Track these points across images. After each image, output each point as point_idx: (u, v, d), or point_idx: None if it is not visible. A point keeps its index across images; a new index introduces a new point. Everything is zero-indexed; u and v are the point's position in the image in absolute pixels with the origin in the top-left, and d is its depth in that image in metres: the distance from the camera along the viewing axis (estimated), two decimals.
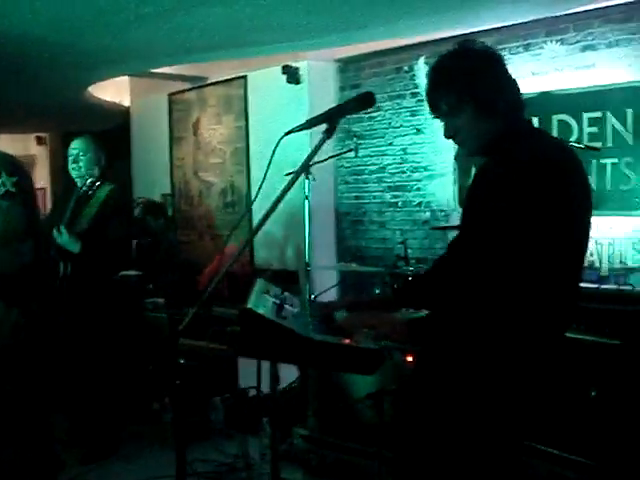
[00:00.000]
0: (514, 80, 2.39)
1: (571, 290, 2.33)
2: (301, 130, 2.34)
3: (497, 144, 2.36)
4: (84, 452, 4.90)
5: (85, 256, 4.71)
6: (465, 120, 2.35)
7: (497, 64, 2.38)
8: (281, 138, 2.26)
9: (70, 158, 4.96)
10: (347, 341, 2.13)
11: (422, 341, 2.37)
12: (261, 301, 2.20)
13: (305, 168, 2.29)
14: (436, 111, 2.44)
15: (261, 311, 2.05)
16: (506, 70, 2.38)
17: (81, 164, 4.90)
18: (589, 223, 2.33)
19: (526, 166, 2.19)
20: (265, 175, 2.31)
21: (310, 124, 2.36)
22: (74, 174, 4.95)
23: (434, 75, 2.42)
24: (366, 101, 2.37)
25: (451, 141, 2.53)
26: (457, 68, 2.38)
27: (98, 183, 4.87)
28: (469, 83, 2.33)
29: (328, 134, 2.31)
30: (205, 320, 4.02)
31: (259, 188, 2.26)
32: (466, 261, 2.34)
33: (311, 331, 2.19)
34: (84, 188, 4.85)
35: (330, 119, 2.33)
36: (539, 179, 2.15)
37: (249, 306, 2.06)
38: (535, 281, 2.15)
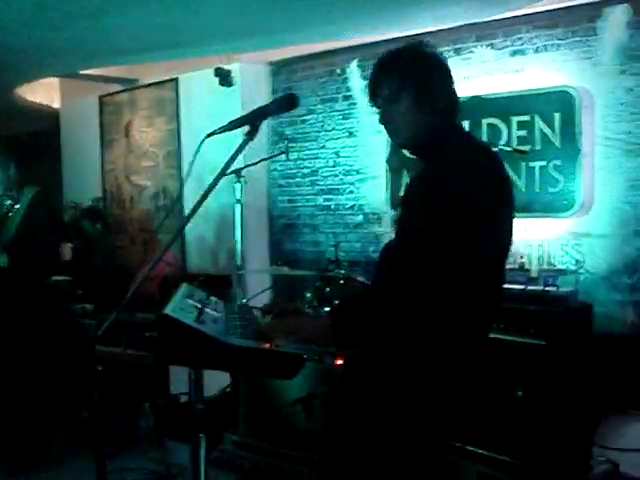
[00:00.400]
0: (454, 87, 2.41)
1: (494, 291, 2.34)
2: (223, 132, 2.30)
3: (429, 142, 2.36)
4: (12, 463, 4.77)
5: (13, 266, 4.60)
6: (403, 108, 2.34)
7: (443, 65, 2.39)
8: (202, 140, 2.23)
9: None
10: (267, 346, 2.10)
11: (347, 345, 2.35)
12: (181, 306, 2.15)
13: (225, 172, 2.25)
14: (377, 95, 2.42)
15: (178, 316, 2.01)
16: (450, 75, 2.40)
17: None
18: (511, 225, 2.35)
19: (454, 170, 2.19)
20: (186, 178, 2.28)
21: (232, 126, 2.32)
22: None
23: (383, 60, 2.41)
24: (289, 103, 2.33)
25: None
26: (406, 57, 2.38)
27: (18, 193, 4.73)
28: (415, 73, 2.33)
29: (250, 136, 2.27)
30: (128, 326, 3.94)
31: (179, 192, 2.23)
32: (394, 262, 2.34)
33: (232, 336, 2.15)
34: (4, 203, 4.71)
35: (252, 121, 2.29)
36: (466, 182, 2.15)
37: (166, 311, 2.02)
38: (457, 283, 2.15)
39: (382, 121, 2.46)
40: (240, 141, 2.26)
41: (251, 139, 2.29)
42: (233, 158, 2.26)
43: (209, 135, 2.28)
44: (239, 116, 2.32)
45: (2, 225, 4.71)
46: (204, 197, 2.17)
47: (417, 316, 2.15)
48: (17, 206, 4.74)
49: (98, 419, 2.18)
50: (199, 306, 2.22)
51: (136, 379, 2.05)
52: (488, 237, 2.21)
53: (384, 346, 2.27)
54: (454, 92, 2.40)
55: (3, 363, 4.74)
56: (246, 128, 2.31)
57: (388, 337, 2.23)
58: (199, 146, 2.21)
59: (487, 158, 2.35)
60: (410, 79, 2.32)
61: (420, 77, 2.33)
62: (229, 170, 2.28)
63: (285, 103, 2.34)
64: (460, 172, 2.19)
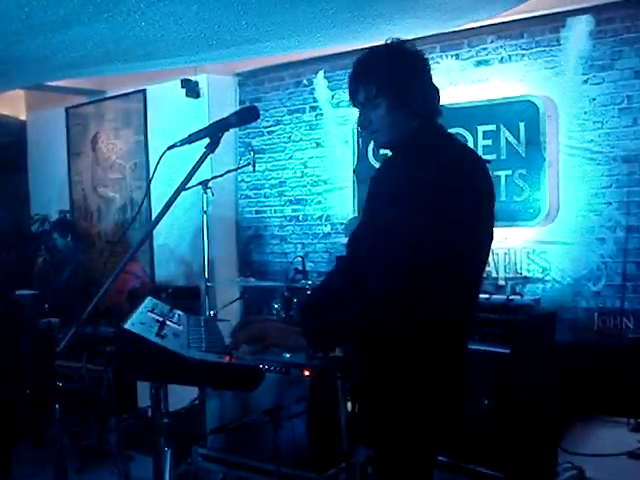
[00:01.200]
0: (435, 87, 2.41)
1: (472, 297, 2.35)
2: (183, 144, 2.29)
3: (409, 142, 2.36)
4: None
5: None
6: (381, 112, 2.34)
7: (422, 66, 2.38)
8: (164, 153, 2.23)
9: None
10: (227, 359, 2.09)
11: (324, 347, 2.36)
12: (142, 319, 2.14)
13: (185, 185, 2.23)
14: (354, 99, 2.43)
15: (137, 330, 1.99)
16: (429, 75, 2.39)
17: None
18: (492, 228, 2.35)
19: (436, 169, 2.20)
20: (148, 190, 2.30)
21: (193, 138, 2.30)
22: None
23: (358, 65, 2.41)
24: (249, 114, 2.33)
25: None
26: (381, 60, 2.38)
27: None
28: (390, 75, 2.33)
29: (210, 149, 2.27)
30: (93, 340, 3.92)
31: (142, 202, 2.22)
32: (369, 262, 2.34)
33: (195, 349, 2.14)
34: None
35: (213, 133, 2.28)
36: (447, 182, 2.16)
37: (126, 325, 2.00)
38: (436, 284, 2.14)
39: (360, 125, 2.47)
40: (217, 154, 2.25)
41: (212, 151, 2.28)
42: (193, 171, 2.25)
43: (169, 148, 2.27)
44: (198, 129, 2.32)
45: None
46: (165, 209, 2.16)
47: (401, 317, 2.15)
48: None
49: (59, 435, 2.15)
50: (160, 319, 2.21)
51: (98, 394, 2.02)
52: (471, 234, 2.22)
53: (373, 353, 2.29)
54: (433, 93, 2.40)
55: None
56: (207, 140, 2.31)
57: (372, 342, 2.25)
58: (159, 159, 2.21)
59: (469, 156, 2.35)
60: (385, 82, 2.32)
61: (396, 79, 2.32)
62: (195, 182, 2.27)
63: (246, 115, 2.34)
64: (441, 167, 2.20)
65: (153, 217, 2.31)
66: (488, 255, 2.41)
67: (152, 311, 2.31)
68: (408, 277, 2.11)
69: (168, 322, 2.23)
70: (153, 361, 1.98)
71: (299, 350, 2.24)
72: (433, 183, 2.16)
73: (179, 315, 2.48)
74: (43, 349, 5.36)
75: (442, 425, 2.32)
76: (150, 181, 2.26)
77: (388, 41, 2.43)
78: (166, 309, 2.46)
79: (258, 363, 2.07)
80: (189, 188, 2.26)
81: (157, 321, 2.19)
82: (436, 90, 2.41)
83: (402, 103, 2.32)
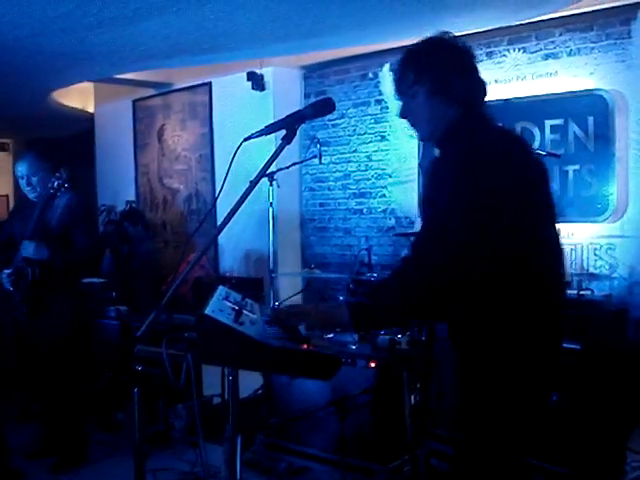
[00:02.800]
0: (482, 80, 2.40)
1: (555, 292, 2.35)
2: (260, 136, 2.33)
3: (451, 134, 2.37)
4: (56, 461, 4.84)
5: (52, 262, 4.65)
6: (420, 100, 2.36)
7: (466, 58, 2.39)
8: (240, 144, 2.25)
9: (21, 182, 4.84)
10: (305, 347, 2.13)
11: (367, 327, 2.39)
12: (219, 307, 2.18)
13: (262, 175, 2.28)
14: (397, 90, 2.45)
15: (218, 317, 2.04)
16: (474, 67, 2.39)
17: (35, 185, 4.80)
18: (551, 212, 2.35)
19: (483, 164, 2.19)
20: (224, 181, 2.31)
21: (269, 130, 2.35)
22: (31, 196, 4.84)
23: (403, 55, 2.43)
24: (325, 107, 2.36)
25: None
26: (422, 51, 2.40)
27: (58, 193, 4.77)
28: (430, 66, 2.35)
29: (287, 140, 2.31)
30: (165, 327, 4.00)
31: (217, 195, 2.25)
32: (430, 261, 2.34)
33: (270, 337, 2.18)
34: (50, 191, 4.74)
35: (289, 125, 2.31)
36: (489, 171, 2.16)
37: (206, 312, 2.05)
38: (508, 282, 2.15)
39: (401, 115, 2.48)
40: (273, 145, 2.28)
41: (288, 143, 2.32)
42: (270, 162, 2.29)
43: (246, 139, 2.30)
44: (275, 120, 2.35)
45: (41, 224, 4.76)
46: (242, 200, 2.20)
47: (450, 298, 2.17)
48: (59, 210, 4.78)
49: (138, 419, 2.21)
50: (236, 308, 2.25)
51: (177, 379, 2.07)
52: (520, 221, 2.21)
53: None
54: (478, 83, 2.40)
55: (43, 362, 4.82)
56: (281, 132, 2.34)
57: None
58: (236, 150, 2.24)
59: (515, 143, 2.36)
60: (425, 73, 2.34)
61: (435, 71, 2.34)
62: (258, 174, 2.30)
63: (322, 107, 2.37)
64: (488, 160, 2.20)
65: (218, 209, 2.35)
66: (556, 239, 2.38)
67: (227, 299, 2.35)
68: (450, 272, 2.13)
69: (244, 310, 2.26)
70: (234, 347, 2.02)
71: (342, 328, 2.26)
72: (475, 174, 2.16)
73: (251, 304, 2.52)
74: (117, 335, 5.51)
75: (532, 416, 2.32)
76: (228, 172, 2.29)
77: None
78: (238, 297, 2.50)
79: (335, 352, 2.10)
80: (257, 181, 2.28)
81: (233, 309, 2.23)
82: (482, 83, 2.41)
83: (440, 90, 2.34)
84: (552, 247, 2.35)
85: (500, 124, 2.45)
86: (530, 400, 2.28)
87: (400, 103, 2.46)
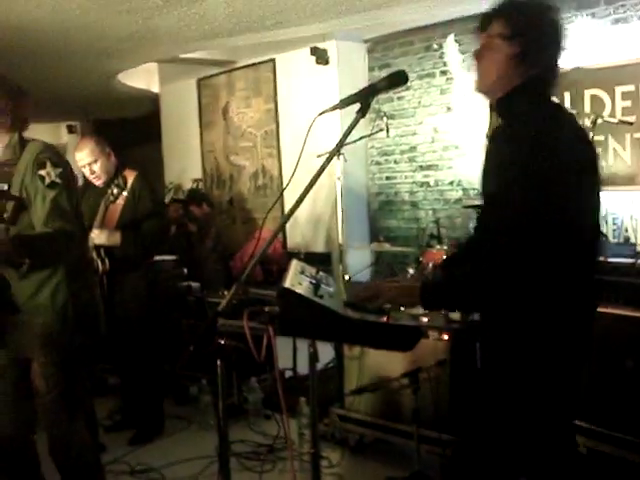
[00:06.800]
0: (559, 58, 2.36)
1: (589, 266, 2.33)
2: (334, 110, 2.33)
3: (511, 100, 2.34)
4: (135, 433, 4.97)
5: (124, 248, 4.73)
6: (499, 56, 2.31)
7: (558, 35, 2.33)
8: (315, 119, 2.24)
9: (86, 170, 4.82)
10: (384, 319, 2.15)
11: (435, 305, 2.39)
12: (298, 281, 2.21)
13: (339, 149, 2.29)
14: (483, 29, 2.38)
15: (299, 290, 2.07)
16: (560, 45, 2.33)
17: (98, 172, 4.83)
18: (597, 195, 2.33)
19: (537, 142, 2.16)
20: (299, 158, 2.32)
21: (343, 104, 2.34)
22: (96, 182, 4.87)
23: (506, 3, 2.35)
24: (399, 79, 2.35)
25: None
26: (529, 12, 2.33)
27: (120, 178, 4.81)
28: (528, 30, 2.28)
29: (362, 113, 2.30)
30: (241, 302, 4.06)
31: (293, 172, 2.27)
32: (487, 240, 2.34)
33: (348, 310, 2.21)
34: (111, 197, 4.79)
35: (363, 98, 2.32)
36: (543, 153, 2.14)
37: (287, 285, 2.09)
38: (551, 257, 2.14)
39: (475, 56, 2.42)
40: (338, 120, 2.29)
41: (362, 116, 2.31)
42: (346, 135, 2.30)
43: (320, 114, 2.31)
44: (348, 95, 2.35)
45: (107, 209, 4.82)
46: (318, 175, 2.19)
47: (519, 285, 2.15)
48: (124, 193, 4.82)
49: (220, 390, 2.27)
50: (314, 281, 2.28)
51: (249, 352, 2.11)
52: (580, 204, 2.21)
53: (494, 317, 2.29)
54: (556, 62, 2.35)
55: (123, 340, 4.94)
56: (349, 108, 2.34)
57: (493, 308, 2.25)
58: (311, 125, 2.24)
59: (571, 128, 2.32)
60: (520, 34, 2.28)
61: (530, 37, 2.28)
62: (335, 147, 2.31)
63: (395, 79, 2.36)
64: (546, 141, 2.16)
65: (284, 184, 2.38)
66: (597, 221, 2.38)
67: (303, 273, 2.38)
68: (511, 249, 2.12)
69: (321, 284, 2.29)
70: (315, 320, 2.06)
71: (413, 306, 2.26)
72: (529, 155, 2.14)
73: (326, 277, 2.54)
74: (188, 312, 5.61)
75: (566, 393, 2.33)
76: (303, 147, 2.30)
77: None
78: (313, 271, 2.52)
79: (415, 324, 2.12)
80: (332, 156, 2.29)
81: (311, 282, 2.25)
82: (557, 64, 2.35)
83: (522, 58, 2.28)
84: (595, 231, 2.36)
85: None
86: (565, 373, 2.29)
87: (480, 41, 2.40)
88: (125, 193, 4.80)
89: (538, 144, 2.15)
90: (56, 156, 3.12)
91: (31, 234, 3.01)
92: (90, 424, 3.17)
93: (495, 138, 2.47)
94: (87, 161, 4.79)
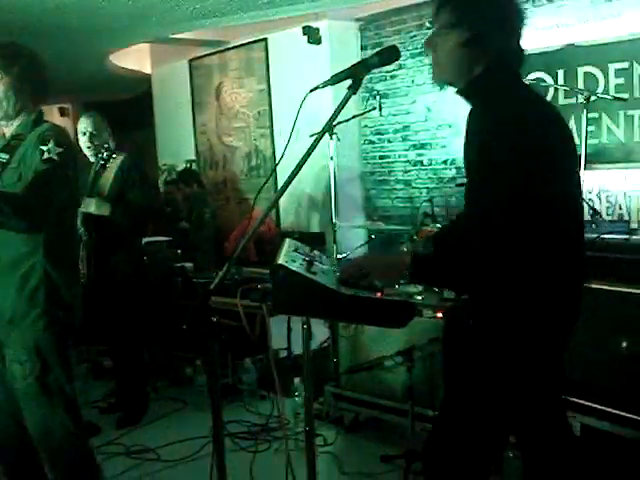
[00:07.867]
0: (520, 36, 2.34)
1: (575, 244, 2.33)
2: (325, 86, 2.31)
3: (476, 89, 2.33)
4: (120, 416, 4.98)
5: (112, 219, 4.72)
6: (450, 47, 2.31)
7: (514, 13, 2.32)
8: (306, 95, 2.23)
9: (84, 138, 4.89)
10: (379, 295, 2.15)
11: (425, 279, 2.40)
12: (291, 258, 2.21)
13: (330, 127, 2.27)
14: (434, 21, 2.38)
15: (292, 267, 2.07)
16: (519, 24, 2.32)
17: (97, 143, 4.86)
18: (579, 178, 2.37)
19: (509, 123, 2.16)
20: (290, 136, 2.29)
21: (335, 80, 2.32)
22: (90, 153, 4.89)
23: None
24: (391, 55, 2.32)
25: None
26: None
27: (114, 155, 4.83)
28: (475, 13, 2.27)
29: (353, 90, 2.28)
30: (234, 281, 4.07)
31: (284, 150, 2.24)
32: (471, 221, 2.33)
33: (341, 287, 2.20)
34: (101, 161, 4.80)
35: (355, 74, 2.29)
36: (522, 136, 2.13)
37: (280, 262, 2.08)
38: (537, 233, 2.14)
39: (426, 47, 2.42)
40: (331, 98, 2.27)
41: (354, 93, 2.29)
42: (336, 114, 2.28)
43: (312, 90, 2.29)
44: (341, 70, 2.33)
45: (96, 184, 4.82)
46: (308, 155, 2.16)
47: (505, 266, 2.16)
48: (108, 170, 4.83)
49: (214, 369, 2.26)
50: (308, 259, 2.27)
51: (243, 331, 2.11)
52: (564, 180, 2.24)
53: (482, 294, 2.29)
54: (517, 44, 2.34)
55: (111, 321, 4.94)
56: (336, 86, 2.32)
57: (480, 285, 2.25)
58: (301, 103, 2.22)
59: (546, 109, 2.33)
60: (467, 18, 2.27)
61: (476, 21, 2.27)
62: (325, 126, 2.29)
63: (387, 55, 2.33)
64: (518, 124, 2.15)
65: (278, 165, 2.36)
66: (580, 206, 2.41)
67: (296, 251, 2.37)
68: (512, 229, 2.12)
69: (314, 261, 2.29)
70: (309, 296, 2.05)
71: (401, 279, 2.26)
72: (500, 135, 2.14)
73: (319, 255, 2.54)
74: (181, 292, 5.61)
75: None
76: (294, 126, 2.28)
77: None
78: (307, 249, 2.52)
79: (409, 299, 2.12)
80: (323, 134, 2.27)
81: (305, 260, 2.25)
82: (519, 42, 2.34)
83: (476, 43, 2.27)
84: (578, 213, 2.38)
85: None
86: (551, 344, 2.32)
87: (432, 31, 2.39)
88: (113, 173, 4.81)
89: (521, 120, 2.15)
90: (63, 138, 3.10)
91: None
92: (72, 409, 3.12)
93: (473, 120, 2.45)
94: (90, 129, 4.88)
